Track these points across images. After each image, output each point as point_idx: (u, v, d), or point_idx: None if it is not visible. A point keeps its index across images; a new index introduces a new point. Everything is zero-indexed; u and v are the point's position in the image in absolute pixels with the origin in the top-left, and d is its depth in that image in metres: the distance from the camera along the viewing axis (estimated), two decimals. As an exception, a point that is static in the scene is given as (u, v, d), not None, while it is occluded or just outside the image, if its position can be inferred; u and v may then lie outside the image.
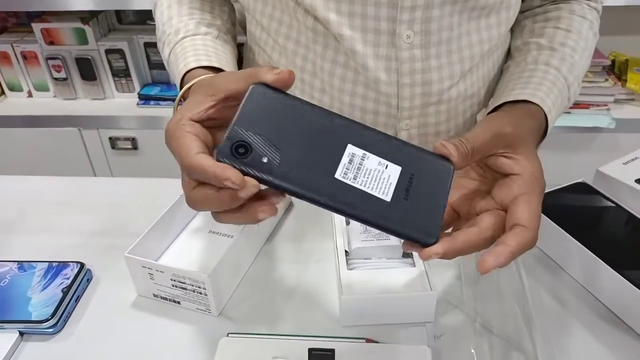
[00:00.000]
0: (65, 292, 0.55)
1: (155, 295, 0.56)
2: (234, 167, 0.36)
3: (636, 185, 0.62)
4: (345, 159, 0.38)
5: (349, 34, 0.56)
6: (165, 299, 0.55)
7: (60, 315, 0.53)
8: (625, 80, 1.54)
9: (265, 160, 0.36)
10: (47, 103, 1.63)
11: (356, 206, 0.36)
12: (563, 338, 0.51)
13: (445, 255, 0.37)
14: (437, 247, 0.37)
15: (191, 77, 0.55)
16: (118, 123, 1.58)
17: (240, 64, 0.72)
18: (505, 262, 0.37)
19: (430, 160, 0.40)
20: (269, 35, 0.63)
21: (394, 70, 0.58)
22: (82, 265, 0.58)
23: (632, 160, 0.67)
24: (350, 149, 0.38)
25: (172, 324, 0.54)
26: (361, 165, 0.38)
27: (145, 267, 0.53)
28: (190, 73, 0.56)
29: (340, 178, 0.37)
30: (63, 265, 0.58)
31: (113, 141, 1.61)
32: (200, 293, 0.52)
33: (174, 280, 0.53)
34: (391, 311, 0.52)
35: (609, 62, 1.56)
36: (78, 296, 0.57)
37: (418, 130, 0.63)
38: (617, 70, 1.60)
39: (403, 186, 0.38)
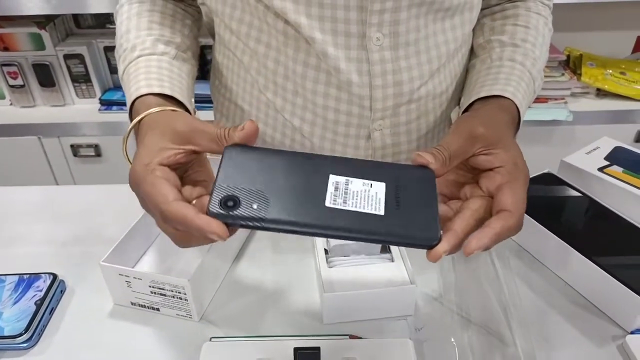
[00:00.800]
0: (39, 304, 0.53)
1: (133, 304, 0.55)
2: (227, 220, 0.37)
3: (599, 174, 0.64)
4: (330, 187, 0.39)
5: (320, 37, 0.56)
6: (144, 306, 0.54)
7: (35, 329, 0.52)
8: (580, 75, 1.59)
9: (255, 206, 0.37)
10: (4, 111, 1.57)
11: (353, 227, 0.37)
12: (539, 324, 0.53)
13: (452, 251, 0.38)
14: (444, 245, 0.37)
15: (142, 104, 0.52)
16: (80, 130, 1.54)
17: (204, 66, 0.71)
18: (489, 244, 0.38)
19: (411, 172, 0.41)
20: (239, 39, 0.63)
21: (366, 72, 0.58)
22: (54, 276, 0.57)
23: (594, 149, 0.70)
24: (333, 178, 0.39)
25: (152, 332, 0.53)
26: (347, 189, 0.39)
27: (122, 274, 0.52)
28: (140, 99, 0.53)
29: (330, 205, 0.38)
30: (35, 277, 0.57)
31: (75, 149, 1.56)
32: (181, 298, 0.52)
33: (153, 287, 0.52)
34: (373, 306, 0.52)
35: (564, 57, 1.61)
36: (52, 308, 0.55)
37: (390, 130, 0.64)
38: (572, 64, 1.66)
39: (392, 198, 0.39)
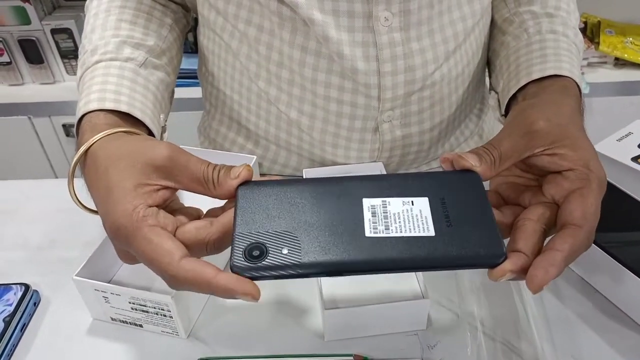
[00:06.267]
0: (8, 321, 0.48)
1: (113, 319, 0.49)
2: (255, 274, 0.31)
3: (633, 164, 0.58)
4: (367, 213, 0.33)
5: (320, 18, 0.49)
6: (125, 322, 0.49)
7: (3, 350, 0.46)
8: (598, 43, 1.50)
9: (285, 251, 0.32)
10: (-9, 90, 1.51)
11: (404, 257, 0.32)
12: (567, 338, 0.47)
13: (518, 272, 0.32)
14: (508, 265, 0.32)
15: (88, 125, 0.43)
16: (71, 108, 1.47)
17: (195, 44, 0.64)
18: (557, 272, 0.32)
19: (453, 179, 0.35)
20: (227, 21, 0.55)
21: (373, 58, 0.51)
22: (27, 287, 0.51)
23: (626, 136, 0.62)
24: (367, 202, 0.33)
25: (135, 351, 0.47)
26: (386, 212, 0.33)
27: (98, 290, 0.47)
28: (88, 118, 0.44)
29: (372, 235, 0.32)
30: (4, 288, 0.51)
31: (67, 128, 1.50)
32: (165, 315, 0.46)
33: (133, 303, 0.46)
34: (380, 322, 0.47)
35: (581, 25, 1.52)
36: (24, 324, 0.49)
37: (401, 121, 0.56)
38: (589, 32, 1.56)
39: (440, 214, 0.33)
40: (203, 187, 0.35)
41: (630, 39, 1.51)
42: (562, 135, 0.37)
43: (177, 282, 0.33)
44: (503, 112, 0.52)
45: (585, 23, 1.57)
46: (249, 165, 0.35)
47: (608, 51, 1.49)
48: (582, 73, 1.47)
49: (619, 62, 1.52)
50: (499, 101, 0.53)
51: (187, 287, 0.33)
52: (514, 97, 0.50)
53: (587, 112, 1.52)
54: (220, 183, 0.35)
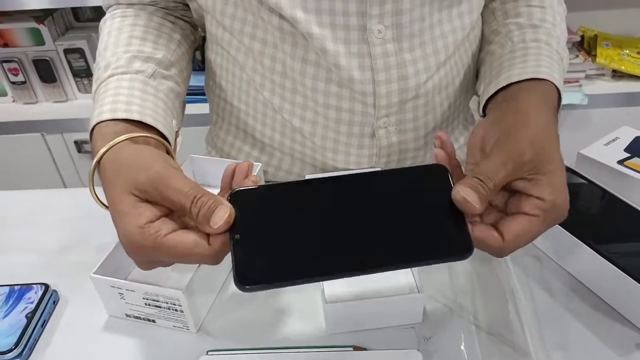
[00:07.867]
0: (30, 317, 0.51)
1: (127, 315, 0.52)
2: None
3: (618, 167, 0.61)
4: None
5: (318, 32, 0.53)
6: (139, 318, 0.52)
7: (26, 344, 0.49)
8: (595, 56, 1.54)
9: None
10: (6, 109, 1.55)
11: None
12: (556, 331, 0.50)
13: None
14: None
15: (99, 135, 0.46)
16: (83, 125, 1.52)
17: (203, 62, 0.67)
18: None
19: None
20: (233, 36, 0.59)
21: (368, 68, 0.55)
22: (46, 286, 0.54)
23: (613, 140, 0.66)
24: None
25: (148, 345, 0.50)
26: None
27: (114, 287, 0.50)
28: (99, 128, 0.47)
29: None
30: (26, 288, 0.54)
31: (79, 145, 1.54)
32: (176, 310, 0.49)
33: (147, 299, 0.49)
34: (378, 315, 0.50)
35: (578, 38, 1.55)
36: (44, 321, 0.53)
37: (396, 128, 0.60)
38: (586, 45, 1.60)
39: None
40: (186, 214, 0.38)
41: (627, 51, 1.54)
42: (544, 159, 0.40)
43: (217, 257, 0.38)
44: (482, 113, 0.55)
45: (583, 36, 1.60)
46: (230, 215, 0.37)
47: (605, 63, 1.52)
48: (580, 85, 1.50)
49: (617, 74, 1.55)
50: (479, 103, 0.56)
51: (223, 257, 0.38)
52: (492, 98, 0.53)
53: (586, 123, 1.54)
54: (199, 223, 0.37)
